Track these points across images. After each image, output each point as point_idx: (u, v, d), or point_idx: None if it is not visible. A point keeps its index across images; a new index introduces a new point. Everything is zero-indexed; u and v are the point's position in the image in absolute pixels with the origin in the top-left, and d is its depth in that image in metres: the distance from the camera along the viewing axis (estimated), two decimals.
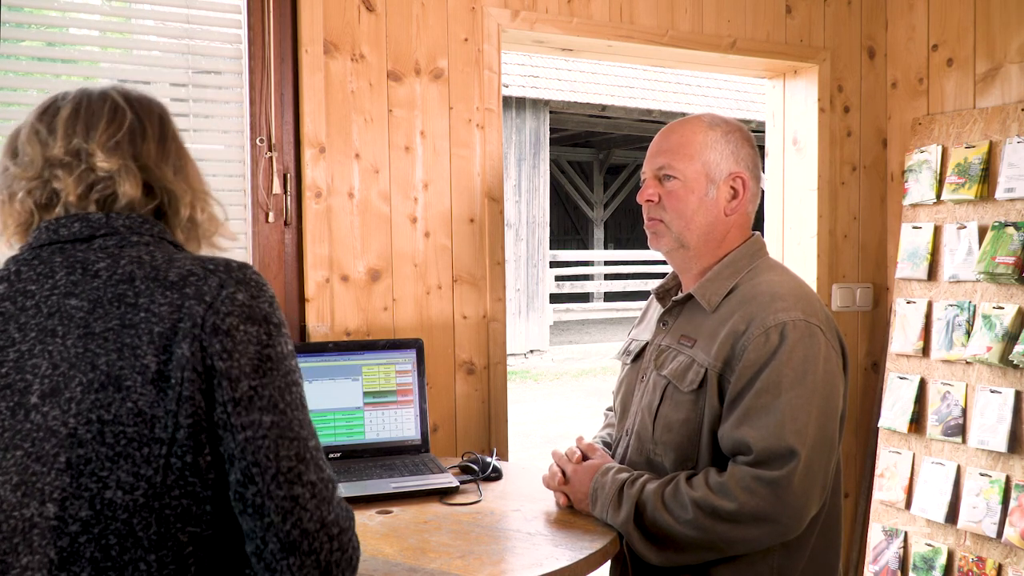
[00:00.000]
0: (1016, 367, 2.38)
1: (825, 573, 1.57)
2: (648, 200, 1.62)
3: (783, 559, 1.50)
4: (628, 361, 1.74)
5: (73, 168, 1.01)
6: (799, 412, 1.41)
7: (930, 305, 2.66)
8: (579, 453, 1.65)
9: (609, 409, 1.91)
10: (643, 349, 1.70)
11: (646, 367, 1.65)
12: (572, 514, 1.59)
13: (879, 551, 2.71)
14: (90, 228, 1.00)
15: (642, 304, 2.03)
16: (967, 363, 2.52)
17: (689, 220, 1.59)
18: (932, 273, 2.67)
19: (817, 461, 1.42)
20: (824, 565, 1.56)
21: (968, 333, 2.51)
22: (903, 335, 2.70)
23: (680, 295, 1.64)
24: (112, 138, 1.02)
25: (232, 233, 1.14)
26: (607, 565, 1.58)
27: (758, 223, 2.13)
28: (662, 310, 1.68)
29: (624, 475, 1.53)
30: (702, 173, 1.58)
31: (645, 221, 1.65)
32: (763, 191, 2.16)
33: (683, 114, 1.72)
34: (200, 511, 0.93)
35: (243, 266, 0.99)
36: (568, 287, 13.15)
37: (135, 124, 1.04)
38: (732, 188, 1.60)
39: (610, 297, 15.10)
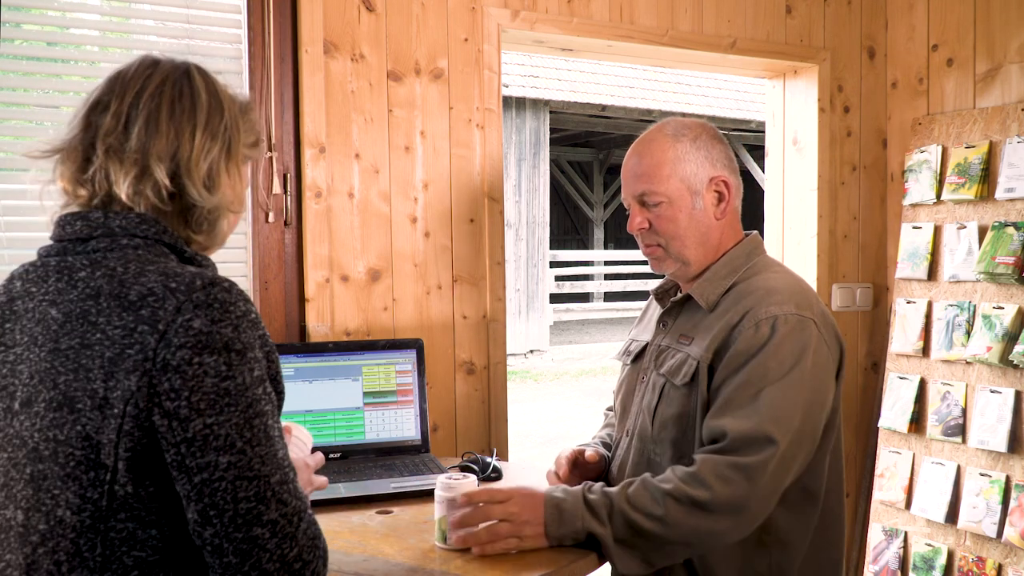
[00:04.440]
0: (1016, 367, 2.38)
1: (827, 572, 1.57)
2: (640, 228, 1.59)
3: (780, 556, 1.49)
4: (628, 362, 1.74)
5: None
6: (782, 403, 1.39)
7: (930, 305, 2.66)
8: (565, 466, 1.65)
9: (609, 409, 1.91)
10: (643, 350, 1.69)
11: (646, 367, 1.65)
12: None
13: (879, 551, 2.71)
14: (88, 228, 0.97)
15: (642, 304, 2.03)
16: (967, 363, 2.52)
17: (685, 238, 1.57)
18: (932, 273, 2.66)
19: (796, 452, 1.41)
20: (826, 564, 1.56)
21: (968, 333, 2.51)
22: (903, 335, 2.70)
23: (679, 296, 1.64)
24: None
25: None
26: (607, 565, 1.58)
27: (758, 223, 2.13)
28: (661, 311, 1.68)
29: (578, 488, 1.43)
30: (683, 188, 1.55)
31: (642, 248, 1.62)
32: (763, 190, 2.16)
33: (683, 114, 1.69)
34: (146, 535, 0.91)
35: (210, 283, 0.91)
36: (568, 287, 13.15)
37: None
38: (717, 192, 1.58)
39: (610, 297, 15.09)
